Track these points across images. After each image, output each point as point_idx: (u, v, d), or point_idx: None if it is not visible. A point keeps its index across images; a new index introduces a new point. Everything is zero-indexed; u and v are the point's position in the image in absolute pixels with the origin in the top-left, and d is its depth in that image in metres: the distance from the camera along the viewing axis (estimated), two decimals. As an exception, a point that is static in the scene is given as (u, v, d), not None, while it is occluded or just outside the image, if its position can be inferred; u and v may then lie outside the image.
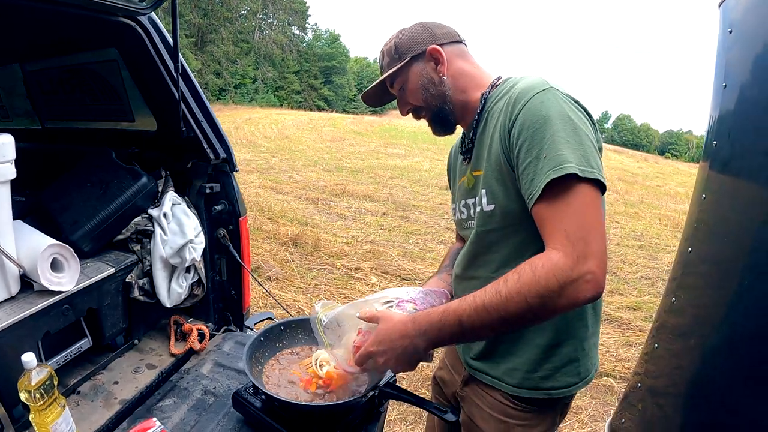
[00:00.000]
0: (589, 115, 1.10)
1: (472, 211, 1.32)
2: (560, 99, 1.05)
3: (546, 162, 0.99)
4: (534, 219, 1.05)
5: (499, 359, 1.32)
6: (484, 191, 1.21)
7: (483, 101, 1.26)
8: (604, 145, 1.16)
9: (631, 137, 73.97)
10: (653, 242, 7.84)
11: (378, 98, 1.42)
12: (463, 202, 1.37)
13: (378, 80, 1.34)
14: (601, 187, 1.00)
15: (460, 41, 1.33)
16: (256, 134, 18.25)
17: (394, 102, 1.41)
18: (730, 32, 1.44)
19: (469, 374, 1.43)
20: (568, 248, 0.94)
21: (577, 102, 1.09)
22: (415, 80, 1.29)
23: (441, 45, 1.27)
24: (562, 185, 0.97)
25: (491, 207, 1.19)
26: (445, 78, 1.27)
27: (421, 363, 1.13)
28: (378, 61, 1.37)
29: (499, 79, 1.28)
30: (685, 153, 66.37)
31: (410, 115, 1.38)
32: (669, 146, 72.26)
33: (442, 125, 1.34)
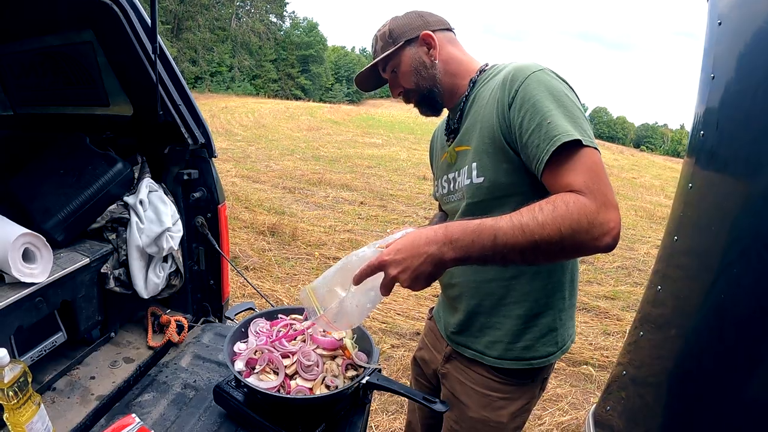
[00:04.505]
0: (576, 94, 1.18)
1: (452, 185, 1.39)
2: (555, 78, 1.14)
3: (553, 129, 1.04)
4: (545, 182, 1.09)
5: (477, 333, 1.40)
6: (474, 164, 1.27)
7: (471, 85, 1.34)
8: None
9: (607, 130, 74.80)
10: (629, 233, 7.98)
11: (370, 82, 1.48)
12: (444, 177, 1.44)
13: (371, 63, 1.40)
14: None
15: (450, 29, 1.40)
16: (233, 123, 18.02)
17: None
18: (719, 24, 1.44)
19: (451, 350, 1.50)
20: (590, 195, 0.98)
21: (566, 81, 1.18)
22: (407, 63, 1.35)
23: (433, 31, 1.34)
24: (570, 149, 1.03)
25: (480, 180, 1.25)
26: (437, 62, 1.35)
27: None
28: (371, 46, 1.43)
29: (486, 65, 1.37)
30: (660, 146, 67.77)
31: (400, 98, 1.44)
32: (644, 139, 73.48)
33: (430, 106, 1.41)
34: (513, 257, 0.99)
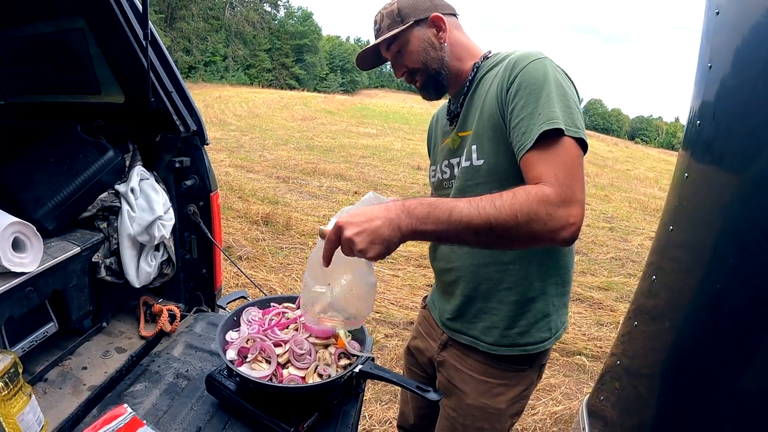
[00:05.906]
0: (575, 86, 1.20)
1: (455, 170, 1.39)
2: (554, 68, 1.15)
3: (539, 117, 1.07)
4: (522, 168, 1.11)
5: (473, 319, 1.42)
6: (474, 147, 1.28)
7: (475, 70, 1.35)
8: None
9: (602, 122, 74.74)
10: (623, 224, 7.99)
11: (369, 61, 1.46)
12: (446, 162, 1.44)
13: (378, 40, 1.37)
14: (583, 147, 1.09)
15: (455, 14, 1.40)
16: (226, 113, 17.92)
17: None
18: (717, 13, 1.43)
19: (447, 338, 1.51)
20: (557, 189, 1.00)
21: (566, 73, 1.19)
22: (416, 43, 1.33)
23: (442, 14, 1.33)
24: (552, 138, 1.06)
25: (480, 162, 1.27)
26: (445, 45, 1.34)
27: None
28: (375, 23, 1.40)
29: (489, 52, 1.38)
30: (655, 139, 67.87)
31: (403, 78, 1.45)
32: (639, 131, 73.56)
33: (435, 89, 1.40)
34: (468, 237, 1.01)
